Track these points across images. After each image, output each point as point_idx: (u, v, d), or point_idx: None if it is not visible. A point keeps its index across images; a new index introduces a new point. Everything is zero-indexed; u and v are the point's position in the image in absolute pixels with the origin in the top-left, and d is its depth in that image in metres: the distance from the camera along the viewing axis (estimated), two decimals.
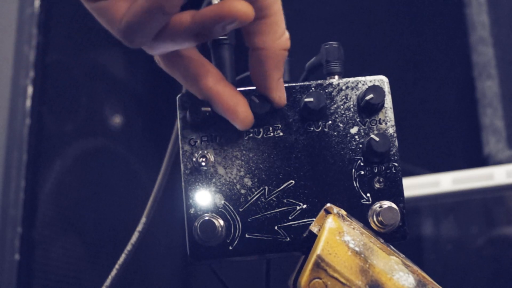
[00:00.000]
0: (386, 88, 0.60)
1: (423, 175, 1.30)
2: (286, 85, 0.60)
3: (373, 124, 0.59)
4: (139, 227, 0.73)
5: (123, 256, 0.72)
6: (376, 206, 0.57)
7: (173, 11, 0.47)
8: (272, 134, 0.59)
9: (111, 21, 0.49)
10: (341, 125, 0.59)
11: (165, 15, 0.47)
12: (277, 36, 0.53)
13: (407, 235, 0.57)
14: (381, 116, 0.59)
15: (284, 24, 0.54)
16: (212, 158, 0.58)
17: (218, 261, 0.58)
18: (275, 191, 0.58)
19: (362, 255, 0.52)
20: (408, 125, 1.46)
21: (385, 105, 0.59)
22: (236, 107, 0.55)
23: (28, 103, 1.07)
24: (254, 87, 0.57)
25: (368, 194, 0.58)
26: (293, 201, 0.58)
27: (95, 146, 1.26)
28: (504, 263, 1.27)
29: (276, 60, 0.54)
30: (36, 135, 1.08)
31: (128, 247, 0.72)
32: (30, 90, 1.07)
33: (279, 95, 0.57)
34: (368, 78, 0.60)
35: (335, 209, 0.56)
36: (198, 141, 0.58)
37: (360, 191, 0.58)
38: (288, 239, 0.57)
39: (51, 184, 1.11)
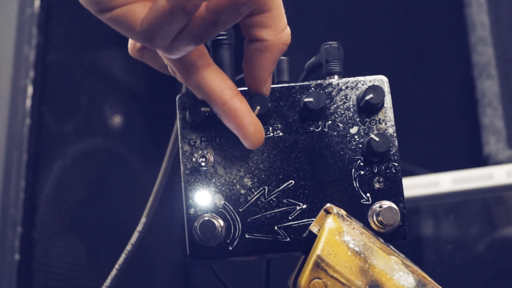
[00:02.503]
0: (386, 88, 0.60)
1: (423, 175, 1.30)
2: (286, 85, 0.60)
3: (373, 124, 0.59)
4: (139, 227, 0.73)
5: (123, 256, 0.72)
6: (376, 206, 0.57)
7: (194, 11, 0.47)
8: (271, 134, 0.59)
9: (130, 26, 0.49)
10: (341, 125, 0.59)
11: (187, 15, 0.47)
12: (280, 30, 0.54)
13: (407, 235, 0.57)
14: (381, 116, 0.59)
15: (286, 19, 0.54)
16: (211, 158, 0.58)
17: (218, 261, 0.58)
18: (275, 191, 0.58)
19: (362, 255, 0.52)
20: (408, 125, 1.46)
21: (385, 105, 0.59)
22: (250, 126, 0.55)
23: (28, 103, 1.07)
24: None
25: (368, 194, 0.58)
26: (293, 201, 0.58)
27: (95, 146, 1.26)
28: (504, 263, 1.27)
29: (275, 53, 0.55)
30: (36, 135, 1.08)
31: (128, 247, 0.72)
32: (30, 90, 1.07)
33: (267, 87, 0.57)
34: (368, 78, 0.60)
35: (335, 209, 0.56)
36: (198, 141, 0.58)
37: (360, 191, 0.58)
38: (288, 239, 0.57)
39: (51, 184, 1.11)
